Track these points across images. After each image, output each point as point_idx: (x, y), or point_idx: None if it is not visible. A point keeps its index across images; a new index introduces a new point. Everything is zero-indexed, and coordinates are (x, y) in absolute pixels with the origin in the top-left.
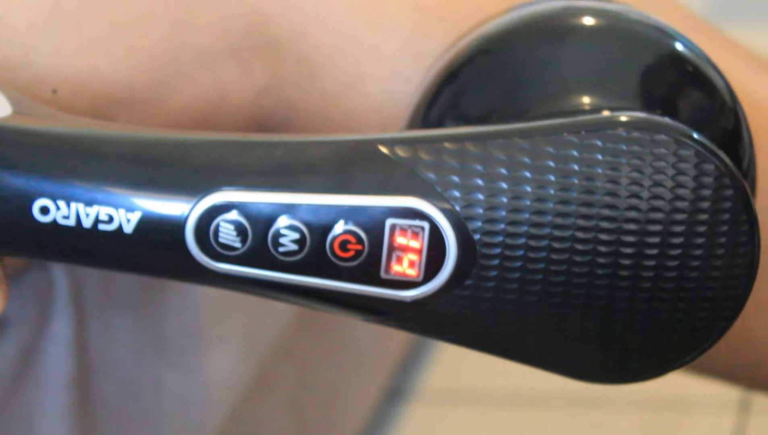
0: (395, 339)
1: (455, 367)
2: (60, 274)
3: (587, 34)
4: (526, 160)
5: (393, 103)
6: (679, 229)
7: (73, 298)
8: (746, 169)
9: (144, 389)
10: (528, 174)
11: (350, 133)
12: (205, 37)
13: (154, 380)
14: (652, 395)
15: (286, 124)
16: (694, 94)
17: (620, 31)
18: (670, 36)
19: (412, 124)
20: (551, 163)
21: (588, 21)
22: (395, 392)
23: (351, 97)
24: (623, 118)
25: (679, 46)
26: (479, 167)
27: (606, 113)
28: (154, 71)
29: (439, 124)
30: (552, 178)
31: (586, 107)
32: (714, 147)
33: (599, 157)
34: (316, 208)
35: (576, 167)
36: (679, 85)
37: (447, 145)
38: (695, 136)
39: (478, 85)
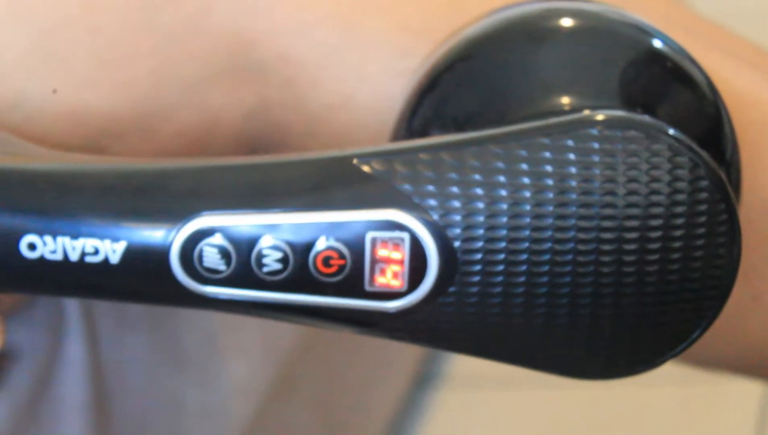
0: None
1: None
2: (70, 299)
3: (564, 35)
4: (500, 165)
5: (379, 119)
6: (657, 223)
7: (85, 322)
8: (729, 162)
9: (163, 405)
10: (503, 179)
11: (328, 150)
12: (190, 65)
13: (172, 395)
14: (683, 370)
15: (277, 144)
16: (672, 91)
17: (597, 31)
18: (649, 34)
19: (396, 134)
20: (525, 167)
21: (565, 22)
22: (424, 379)
23: (338, 115)
24: (594, 117)
25: (657, 44)
26: (454, 175)
27: (585, 113)
28: (142, 102)
29: (423, 132)
30: (527, 181)
31: (566, 108)
32: (688, 140)
33: (572, 157)
34: (297, 226)
35: (549, 169)
36: (658, 82)
37: (422, 156)
38: (668, 130)
39: (458, 91)
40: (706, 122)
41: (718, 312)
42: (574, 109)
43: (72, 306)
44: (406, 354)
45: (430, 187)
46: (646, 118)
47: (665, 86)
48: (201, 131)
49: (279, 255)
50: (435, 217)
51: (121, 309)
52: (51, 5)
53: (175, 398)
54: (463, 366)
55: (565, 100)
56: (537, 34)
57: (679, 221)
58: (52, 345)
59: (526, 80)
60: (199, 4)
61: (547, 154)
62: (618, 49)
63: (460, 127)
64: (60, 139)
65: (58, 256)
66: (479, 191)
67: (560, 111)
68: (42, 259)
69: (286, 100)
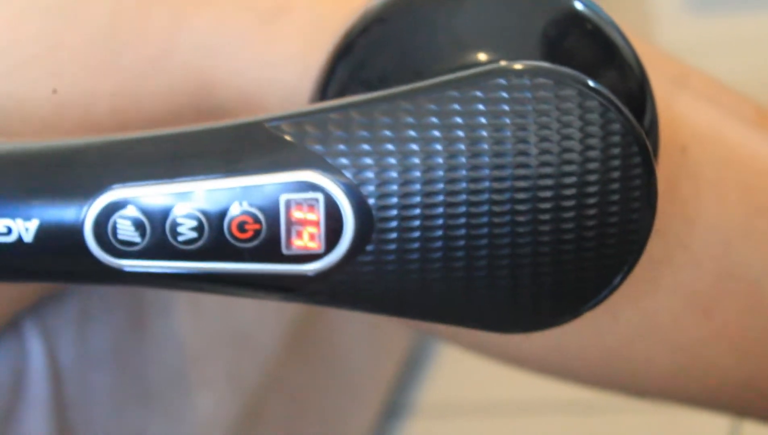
0: (388, 357)
1: (452, 379)
2: (32, 336)
3: None
4: (410, 120)
5: None
6: (571, 168)
7: (48, 360)
8: (647, 130)
9: None
10: (413, 133)
11: (237, 118)
12: (152, 106)
13: (138, 430)
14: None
15: None
16: (591, 52)
17: None
18: None
19: (312, 102)
20: (435, 120)
21: None
22: (393, 408)
23: None
24: (503, 67)
25: (579, 5)
26: (365, 133)
27: (502, 63)
28: None
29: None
30: (437, 134)
31: (483, 60)
32: (598, 85)
33: (481, 107)
34: (209, 193)
35: (460, 121)
36: (581, 46)
37: (332, 115)
38: (577, 76)
39: (374, 53)
40: (627, 87)
41: (638, 257)
42: (492, 61)
43: (34, 343)
44: (374, 384)
45: (342, 147)
46: (555, 66)
47: (584, 47)
48: None
49: (193, 223)
50: (348, 175)
51: (84, 344)
52: (11, 47)
53: (141, 432)
54: (433, 395)
55: (481, 56)
56: None
57: (594, 166)
58: (14, 383)
59: (441, 38)
60: (162, 44)
61: (457, 107)
62: (535, 6)
63: (375, 89)
64: None
65: None
66: (391, 147)
67: (477, 63)
68: None
69: None
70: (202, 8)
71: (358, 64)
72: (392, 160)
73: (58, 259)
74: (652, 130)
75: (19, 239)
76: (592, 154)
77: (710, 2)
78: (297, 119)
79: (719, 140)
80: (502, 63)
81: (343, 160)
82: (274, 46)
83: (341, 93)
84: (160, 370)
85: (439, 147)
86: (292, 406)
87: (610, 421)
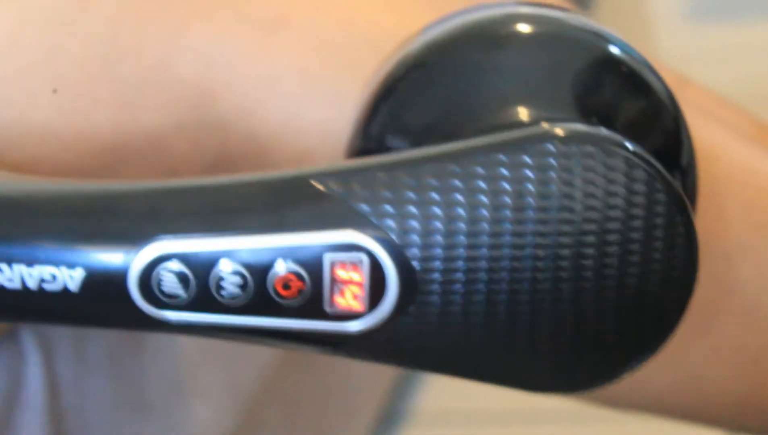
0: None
1: (449, 387)
2: (29, 343)
3: (523, 43)
4: (458, 183)
5: None
6: (614, 237)
7: (44, 367)
8: (685, 169)
9: None
10: (460, 197)
11: (283, 170)
12: (152, 117)
13: None
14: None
15: None
16: (630, 98)
17: (555, 38)
18: (608, 40)
19: (353, 141)
20: (482, 184)
21: (522, 28)
22: (390, 415)
23: None
24: (550, 132)
25: (615, 51)
26: (412, 195)
27: (544, 126)
28: (103, 153)
29: (380, 139)
30: (484, 199)
31: (524, 118)
32: (644, 153)
33: (529, 174)
34: (255, 250)
35: (507, 186)
36: (618, 92)
37: (379, 174)
38: (624, 143)
39: (414, 99)
40: (664, 130)
41: (680, 320)
42: (532, 120)
43: (31, 350)
44: (372, 391)
45: (388, 207)
46: (602, 131)
47: (622, 94)
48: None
49: (238, 279)
50: (393, 237)
51: (81, 352)
52: (10, 54)
53: None
54: (431, 403)
55: (523, 110)
56: (494, 41)
57: (637, 235)
58: (10, 389)
59: (483, 89)
60: (160, 56)
61: (504, 172)
62: (575, 58)
63: (417, 136)
64: None
65: (16, 285)
66: (437, 211)
67: (518, 122)
68: (1, 288)
69: (247, 154)
70: (202, 20)
71: (398, 108)
72: (438, 225)
73: (100, 307)
74: (690, 166)
75: (65, 288)
76: (636, 223)
77: (711, 10)
78: (344, 176)
79: (719, 157)
80: (545, 125)
81: (389, 222)
82: (272, 58)
83: (382, 134)
84: (158, 380)
85: (485, 212)
86: (289, 415)
87: (605, 430)
